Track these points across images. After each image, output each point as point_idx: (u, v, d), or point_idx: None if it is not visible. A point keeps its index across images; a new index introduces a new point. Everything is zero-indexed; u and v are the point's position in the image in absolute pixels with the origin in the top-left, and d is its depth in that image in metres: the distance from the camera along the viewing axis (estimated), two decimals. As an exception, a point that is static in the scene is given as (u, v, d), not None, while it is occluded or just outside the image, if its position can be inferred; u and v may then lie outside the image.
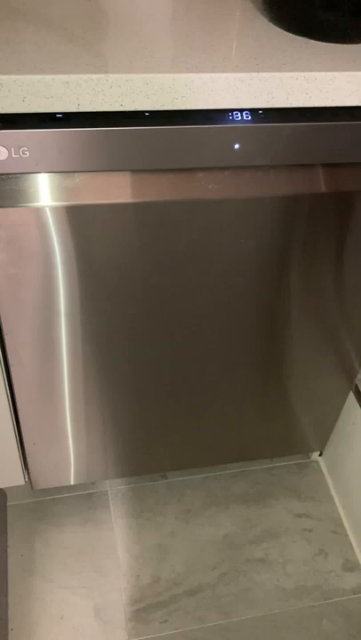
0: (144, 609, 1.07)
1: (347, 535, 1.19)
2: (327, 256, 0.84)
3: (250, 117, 0.66)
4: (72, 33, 0.65)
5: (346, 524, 1.21)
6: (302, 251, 0.82)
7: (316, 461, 1.31)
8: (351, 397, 1.13)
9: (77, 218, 0.70)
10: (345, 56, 0.66)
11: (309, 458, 1.31)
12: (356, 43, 0.68)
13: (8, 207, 0.67)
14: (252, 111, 0.66)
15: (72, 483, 1.12)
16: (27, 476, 1.10)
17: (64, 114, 0.62)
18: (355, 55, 0.66)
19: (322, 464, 1.30)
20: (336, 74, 0.63)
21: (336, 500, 1.24)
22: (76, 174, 0.67)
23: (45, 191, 0.67)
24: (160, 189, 0.71)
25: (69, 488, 1.21)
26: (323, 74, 0.63)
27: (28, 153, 0.63)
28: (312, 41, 0.68)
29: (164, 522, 1.18)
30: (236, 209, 0.74)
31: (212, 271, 0.82)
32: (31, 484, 1.10)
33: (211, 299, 0.86)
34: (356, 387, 1.11)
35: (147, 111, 0.63)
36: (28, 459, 1.04)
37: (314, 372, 1.04)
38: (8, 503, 1.17)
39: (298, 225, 0.79)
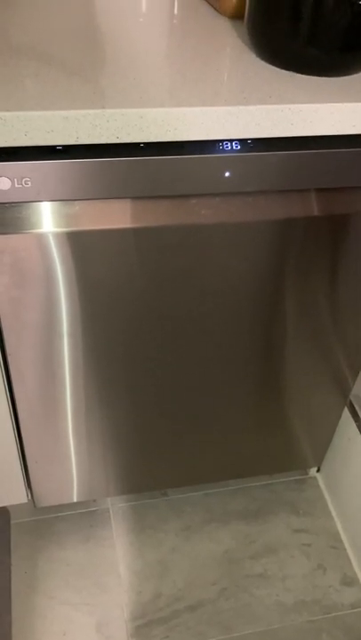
0: (145, 625, 1.08)
1: (345, 550, 1.21)
2: (320, 276, 0.87)
3: (239, 147, 0.69)
4: (71, 70, 0.69)
5: (344, 538, 1.22)
6: (296, 271, 0.86)
7: (314, 477, 1.32)
8: (346, 413, 1.15)
9: (77, 243, 0.74)
10: (328, 88, 0.70)
11: (307, 474, 1.33)
12: (338, 76, 0.72)
13: (11, 233, 0.71)
14: (241, 141, 0.70)
15: (74, 500, 1.14)
16: (29, 494, 1.11)
17: (64, 146, 0.66)
18: (337, 88, 0.70)
19: (320, 480, 1.32)
20: (319, 105, 0.67)
21: (334, 515, 1.26)
22: (76, 202, 0.71)
23: (47, 218, 0.71)
24: (156, 215, 0.74)
25: (71, 506, 1.23)
26: (307, 105, 0.67)
27: (30, 183, 0.66)
28: (297, 74, 0.72)
29: (165, 538, 1.20)
30: (228, 233, 0.78)
31: (207, 292, 0.85)
32: (34, 501, 1.12)
33: (207, 318, 0.89)
34: (351, 402, 1.14)
35: (142, 142, 0.67)
36: (30, 477, 1.07)
37: (309, 389, 1.06)
38: (11, 521, 1.19)
39: (290, 247, 0.82)
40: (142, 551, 1.18)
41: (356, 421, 1.13)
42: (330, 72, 0.72)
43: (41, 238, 0.72)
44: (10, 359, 0.85)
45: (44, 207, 0.71)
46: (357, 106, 0.68)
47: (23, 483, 1.07)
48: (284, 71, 0.72)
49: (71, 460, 1.05)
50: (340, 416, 1.14)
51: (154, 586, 1.13)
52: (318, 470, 1.32)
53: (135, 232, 0.75)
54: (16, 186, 0.66)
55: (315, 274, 0.87)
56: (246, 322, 0.91)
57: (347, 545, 1.21)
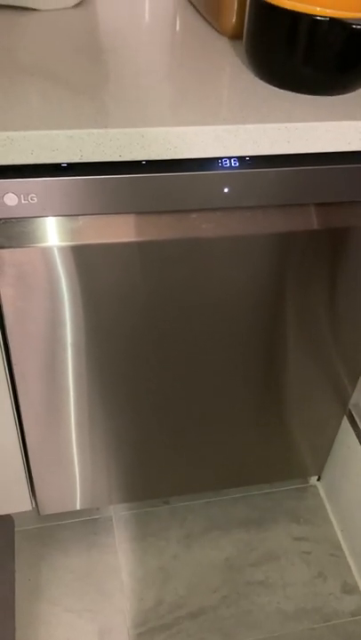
0: (147, 632, 1.09)
1: (345, 558, 1.22)
2: (320, 288, 0.89)
3: (237, 164, 0.72)
4: (75, 89, 0.72)
5: (344, 546, 1.23)
6: (295, 284, 0.88)
7: (315, 486, 1.34)
8: (345, 422, 1.17)
9: (81, 256, 0.76)
10: (324, 107, 0.72)
11: (308, 482, 1.34)
12: (334, 95, 0.75)
13: (17, 247, 0.73)
14: (240, 158, 0.72)
15: (77, 508, 1.16)
16: (34, 502, 1.13)
17: (68, 163, 0.68)
18: (332, 106, 0.72)
19: (320, 488, 1.33)
20: (316, 124, 0.69)
21: (334, 523, 1.27)
22: (80, 217, 0.73)
23: (51, 232, 0.73)
24: (157, 229, 0.77)
25: (75, 514, 1.24)
26: (303, 124, 0.69)
27: (35, 199, 0.69)
28: (294, 93, 0.74)
29: (167, 546, 1.21)
30: (228, 246, 0.80)
31: (208, 303, 0.87)
32: (38, 509, 1.14)
33: (207, 329, 0.91)
34: (350, 411, 1.15)
35: (143, 160, 0.69)
36: (34, 485, 1.08)
37: (309, 398, 1.08)
38: (15, 528, 1.21)
39: (289, 260, 0.84)
40: (144, 558, 1.19)
41: (355, 430, 1.14)
42: (325, 91, 0.74)
43: (46, 252, 0.74)
44: (15, 369, 0.87)
45: (48, 222, 0.73)
46: (352, 124, 0.70)
47: (27, 490, 1.08)
48: (281, 90, 0.75)
49: (75, 468, 1.07)
50: (339, 425, 1.16)
51: (156, 593, 1.14)
52: (319, 479, 1.33)
53: (137, 246, 0.77)
54: (22, 202, 0.69)
55: (314, 286, 0.89)
56: (247, 333, 0.93)
57: (347, 553, 1.22)
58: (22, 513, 1.21)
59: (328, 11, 0.67)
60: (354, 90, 0.75)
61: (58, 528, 1.22)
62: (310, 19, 0.67)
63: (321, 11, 0.67)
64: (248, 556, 1.21)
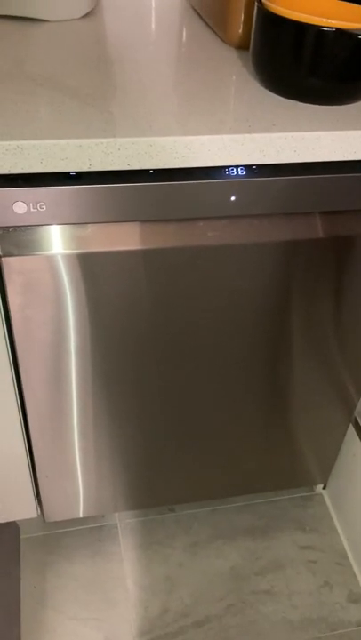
0: (153, 640, 1.09)
1: (351, 567, 1.22)
2: (325, 296, 0.89)
3: (244, 172, 0.72)
4: (84, 99, 0.72)
5: (350, 555, 1.23)
6: (301, 292, 0.88)
7: (320, 494, 1.34)
8: (351, 430, 1.17)
9: (88, 264, 0.77)
10: (330, 116, 0.73)
11: (313, 491, 1.34)
12: (339, 104, 0.75)
13: (26, 255, 0.74)
14: (246, 167, 0.73)
15: (82, 515, 1.16)
16: (39, 509, 1.13)
17: (77, 172, 0.69)
18: (338, 115, 0.73)
19: (326, 497, 1.33)
20: (321, 133, 0.70)
21: (340, 531, 1.27)
22: (88, 225, 0.74)
23: (60, 240, 0.74)
24: (164, 237, 0.77)
25: (80, 521, 1.24)
26: (309, 133, 0.70)
27: (44, 207, 0.70)
28: (299, 103, 0.75)
29: (172, 554, 1.21)
30: (234, 254, 0.80)
31: (214, 311, 0.87)
32: (43, 516, 1.14)
33: (214, 337, 0.91)
34: (356, 419, 1.15)
35: (151, 169, 0.70)
36: (40, 492, 1.08)
37: (315, 406, 1.08)
38: (21, 536, 1.21)
39: (294, 268, 0.84)
40: (150, 567, 1.19)
41: (361, 438, 1.14)
42: (331, 101, 0.75)
43: (54, 260, 0.75)
44: (23, 376, 0.87)
45: (57, 230, 0.74)
46: (358, 133, 0.71)
47: (33, 498, 1.08)
48: (287, 100, 0.76)
49: (80, 475, 1.07)
50: (345, 433, 1.16)
51: (161, 601, 1.14)
52: (324, 487, 1.33)
53: (144, 253, 0.78)
54: (31, 210, 0.69)
55: (319, 294, 0.89)
56: (252, 341, 0.93)
57: (353, 562, 1.22)
58: (28, 520, 1.21)
59: (334, 21, 0.68)
60: (360, 99, 0.76)
61: (63, 535, 1.22)
62: (316, 29, 0.68)
63: (327, 22, 0.68)
64: (254, 564, 1.21)
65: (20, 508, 1.10)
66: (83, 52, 0.85)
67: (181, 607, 1.14)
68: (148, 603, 1.14)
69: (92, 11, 1.01)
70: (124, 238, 0.76)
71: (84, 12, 0.98)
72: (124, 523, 1.25)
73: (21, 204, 0.68)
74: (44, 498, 1.10)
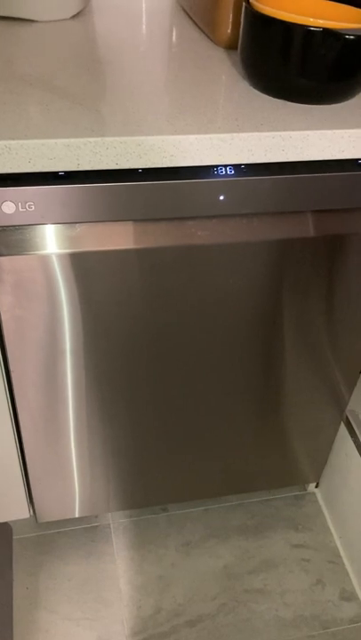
0: None
1: (344, 565, 1.22)
2: (316, 294, 0.90)
3: (233, 172, 0.73)
4: (73, 99, 0.73)
5: (343, 553, 1.23)
6: (291, 290, 0.88)
7: (313, 493, 1.34)
8: (343, 429, 1.17)
9: (79, 263, 0.77)
10: (317, 116, 0.73)
11: (306, 489, 1.34)
12: (327, 104, 0.76)
13: (16, 255, 0.74)
14: (235, 166, 0.73)
15: (76, 516, 1.16)
16: (31, 510, 1.13)
17: (65, 172, 0.69)
18: (326, 115, 0.73)
19: (318, 495, 1.33)
20: (309, 132, 0.70)
21: (333, 530, 1.27)
22: (78, 224, 0.74)
23: (49, 240, 0.74)
24: (154, 236, 0.77)
25: (73, 521, 1.24)
26: (297, 132, 0.70)
27: (33, 207, 0.70)
28: (288, 103, 0.75)
29: (165, 554, 1.21)
30: (224, 253, 0.81)
31: (205, 310, 0.88)
32: (36, 517, 1.14)
33: (205, 336, 0.91)
34: (347, 417, 1.16)
35: (140, 168, 0.70)
36: (32, 492, 1.08)
37: (306, 405, 1.08)
38: (13, 536, 1.21)
39: (284, 266, 0.85)
40: (143, 566, 1.19)
41: (352, 437, 1.15)
42: (319, 100, 0.75)
43: (44, 259, 0.75)
44: (13, 376, 0.87)
45: (46, 230, 0.74)
46: (345, 132, 0.71)
47: (25, 498, 1.08)
48: (275, 99, 0.76)
49: (73, 475, 1.07)
50: (336, 431, 1.16)
51: (154, 601, 1.14)
52: (317, 486, 1.34)
53: (135, 253, 0.78)
54: (20, 210, 0.69)
55: (310, 293, 0.90)
56: (244, 339, 0.93)
57: (345, 560, 1.22)
58: (20, 521, 1.21)
59: (321, 21, 0.68)
60: (347, 99, 0.77)
61: (56, 536, 1.22)
62: (304, 29, 0.69)
63: (314, 21, 0.68)
64: (246, 563, 1.21)
65: (13, 508, 1.10)
66: (72, 52, 0.85)
67: (174, 606, 1.14)
68: (141, 602, 1.14)
69: (81, 11, 1.01)
70: (115, 238, 0.76)
71: (74, 13, 0.98)
72: (117, 523, 1.25)
73: (10, 203, 0.68)
74: (36, 498, 1.09)
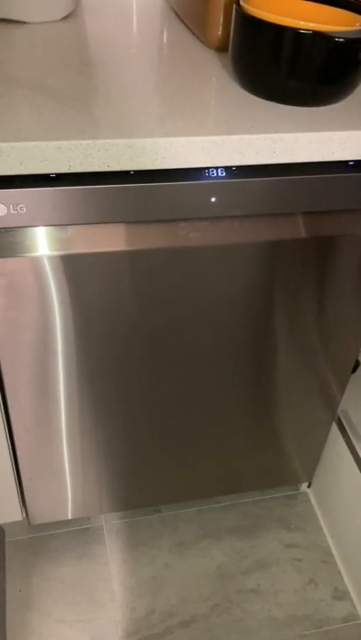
0: (139, 641, 1.09)
1: (336, 564, 1.22)
2: (308, 295, 0.90)
3: (224, 174, 0.73)
4: (65, 101, 0.72)
5: (335, 553, 1.24)
6: (284, 291, 0.89)
7: (305, 493, 1.34)
8: (334, 429, 1.18)
9: (70, 265, 0.77)
10: (308, 118, 0.73)
11: (298, 489, 1.35)
12: (317, 106, 0.76)
13: (7, 257, 0.73)
14: (226, 168, 0.73)
15: (68, 517, 1.16)
16: (24, 512, 1.13)
17: (57, 174, 0.69)
18: (317, 117, 0.74)
19: (311, 495, 1.34)
20: (300, 134, 0.71)
21: (325, 529, 1.28)
22: (69, 227, 0.74)
23: (41, 242, 0.74)
24: (145, 238, 0.78)
25: (66, 523, 1.24)
26: (288, 135, 0.70)
27: (24, 209, 0.70)
28: (278, 105, 0.76)
29: (159, 555, 1.21)
30: (216, 254, 0.81)
31: (197, 311, 0.88)
32: (28, 519, 1.14)
33: (197, 337, 0.91)
34: (339, 417, 1.16)
35: (131, 170, 0.70)
36: (25, 494, 1.08)
37: (299, 405, 1.09)
38: (6, 539, 1.20)
39: (276, 268, 0.85)
40: (136, 567, 1.19)
41: (344, 436, 1.15)
42: (309, 103, 0.76)
43: (36, 261, 0.75)
44: (5, 378, 0.87)
45: (38, 232, 0.74)
46: (335, 134, 0.71)
47: (18, 500, 1.08)
48: (266, 101, 0.76)
49: (66, 477, 1.07)
50: (328, 431, 1.17)
51: (147, 602, 1.14)
52: (309, 486, 1.34)
53: (126, 255, 0.78)
54: (11, 212, 0.69)
55: (302, 293, 0.90)
56: (236, 341, 0.93)
57: (338, 559, 1.23)
58: (13, 523, 1.21)
59: (311, 24, 0.69)
60: (337, 101, 0.77)
61: (49, 538, 1.22)
62: (294, 32, 0.69)
63: (304, 24, 0.69)
64: (239, 563, 1.21)
65: (5, 510, 1.09)
66: (63, 54, 0.85)
67: (168, 607, 1.14)
68: (134, 604, 1.14)
69: (72, 12, 1.01)
70: (106, 240, 0.76)
71: (65, 14, 0.98)
72: (110, 524, 1.25)
73: (1, 205, 0.68)
74: (29, 500, 1.09)
